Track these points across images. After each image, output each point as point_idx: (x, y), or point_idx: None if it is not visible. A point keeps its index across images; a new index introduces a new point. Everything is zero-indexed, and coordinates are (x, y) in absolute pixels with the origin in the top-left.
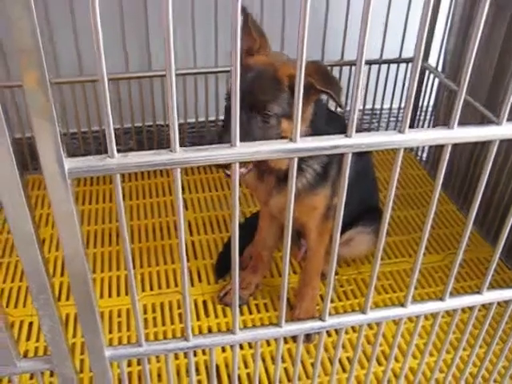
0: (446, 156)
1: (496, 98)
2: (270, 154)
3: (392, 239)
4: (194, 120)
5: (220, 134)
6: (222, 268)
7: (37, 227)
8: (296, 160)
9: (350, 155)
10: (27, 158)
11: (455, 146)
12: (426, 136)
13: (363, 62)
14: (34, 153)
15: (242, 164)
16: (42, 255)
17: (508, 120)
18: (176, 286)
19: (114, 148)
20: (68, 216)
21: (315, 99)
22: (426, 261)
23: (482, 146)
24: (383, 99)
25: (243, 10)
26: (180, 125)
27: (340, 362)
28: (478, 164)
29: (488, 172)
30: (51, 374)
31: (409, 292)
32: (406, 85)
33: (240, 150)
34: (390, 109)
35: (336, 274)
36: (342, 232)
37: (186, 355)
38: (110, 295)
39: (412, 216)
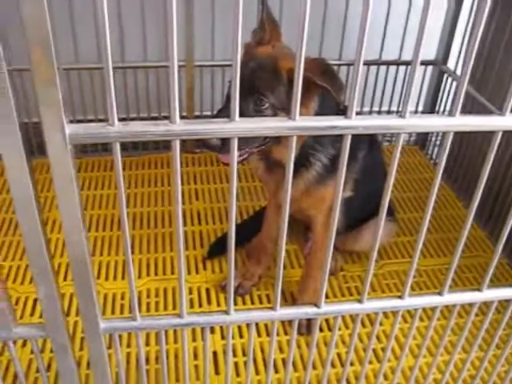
0: (448, 144)
1: None
2: (269, 130)
3: (400, 239)
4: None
5: (219, 110)
6: (218, 249)
7: (37, 192)
8: (295, 138)
9: (350, 137)
10: (33, 142)
11: (469, 147)
12: (426, 122)
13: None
14: (41, 137)
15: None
16: (41, 218)
17: None
18: None
19: (115, 116)
20: (67, 181)
21: (316, 94)
22: (431, 263)
23: (497, 151)
24: (391, 101)
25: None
26: None
27: (339, 356)
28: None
29: (491, 162)
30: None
31: (406, 283)
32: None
33: (239, 125)
34: (398, 111)
35: (341, 270)
36: (353, 227)
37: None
38: (114, 278)
39: (422, 217)
